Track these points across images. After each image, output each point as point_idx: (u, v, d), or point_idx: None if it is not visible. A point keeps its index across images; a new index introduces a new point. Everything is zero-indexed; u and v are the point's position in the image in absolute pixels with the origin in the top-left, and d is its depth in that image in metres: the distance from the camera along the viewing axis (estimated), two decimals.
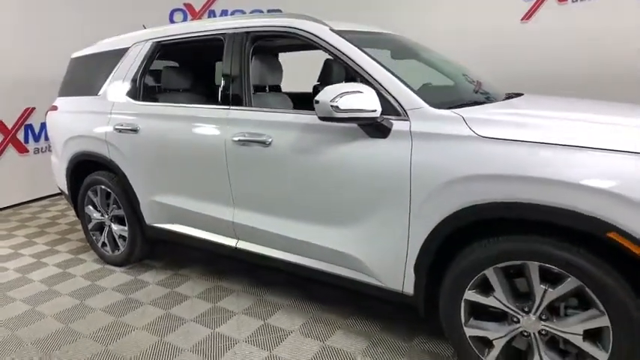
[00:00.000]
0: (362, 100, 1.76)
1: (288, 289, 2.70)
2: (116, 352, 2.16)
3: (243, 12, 6.57)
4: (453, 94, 2.37)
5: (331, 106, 1.74)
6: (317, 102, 1.78)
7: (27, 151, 5.12)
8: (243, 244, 2.44)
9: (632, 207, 1.38)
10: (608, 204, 1.41)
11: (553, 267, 1.54)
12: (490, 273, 1.67)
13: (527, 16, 5.19)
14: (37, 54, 4.96)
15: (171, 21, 6.48)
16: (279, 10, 6.60)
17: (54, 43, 4.90)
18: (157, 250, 3.26)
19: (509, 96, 2.46)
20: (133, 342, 2.23)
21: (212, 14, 6.61)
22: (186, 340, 2.23)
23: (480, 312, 1.77)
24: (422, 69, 2.72)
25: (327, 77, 2.84)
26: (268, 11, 6.62)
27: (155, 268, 3.12)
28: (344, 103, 1.74)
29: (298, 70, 3.21)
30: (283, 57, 3.46)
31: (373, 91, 1.79)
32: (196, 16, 6.52)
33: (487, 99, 2.29)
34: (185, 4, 6.57)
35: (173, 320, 2.42)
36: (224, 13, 6.58)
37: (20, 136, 5.05)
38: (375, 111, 1.77)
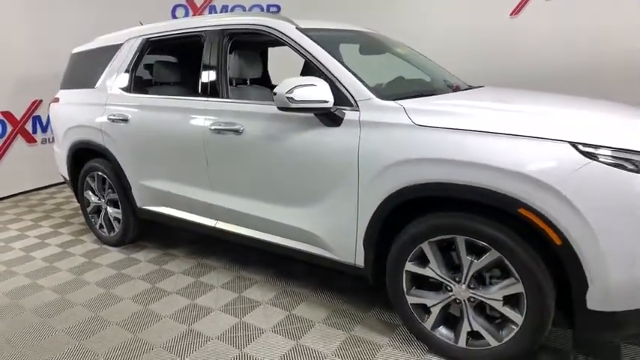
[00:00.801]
0: (315, 92, 1.96)
1: (264, 266, 2.94)
2: (104, 317, 2.42)
3: (243, 8, 6.76)
4: (411, 85, 2.57)
5: (287, 97, 1.96)
6: (275, 93, 2.00)
7: (35, 141, 5.43)
8: (221, 224, 2.67)
9: (539, 187, 1.57)
10: (520, 184, 1.60)
11: (477, 240, 1.74)
12: (425, 246, 1.87)
13: (516, 10, 5.30)
14: (45, 50, 5.24)
15: (174, 17, 6.72)
16: (277, 7, 6.81)
17: (61, 39, 5.16)
18: (151, 231, 3.52)
19: (469, 87, 2.65)
20: (120, 310, 2.49)
21: (213, 10, 6.81)
22: (167, 308, 2.48)
23: (420, 282, 1.98)
24: (393, 63, 2.92)
25: (308, 71, 3.04)
26: (268, 7, 6.83)
27: (147, 248, 3.38)
28: (298, 94, 1.95)
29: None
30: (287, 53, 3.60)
31: (326, 84, 1.99)
32: (197, 11, 6.74)
33: (444, 90, 2.49)
34: (187, 0, 6.78)
35: (158, 292, 2.68)
36: (224, 8, 6.76)
37: (28, 127, 5.36)
38: (327, 102, 1.97)
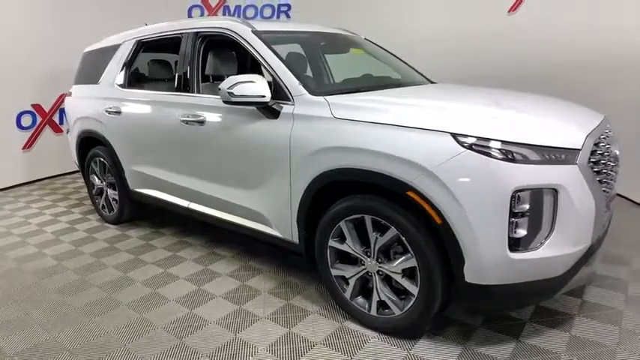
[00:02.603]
0: (253, 88, 2.25)
1: (236, 245, 3.27)
2: (89, 280, 2.83)
3: (255, 8, 7.11)
4: (351, 82, 2.81)
5: (228, 92, 2.26)
6: (219, 89, 2.30)
7: (61, 131, 6.02)
8: (192, 205, 3.02)
9: (423, 172, 1.78)
10: (408, 170, 1.82)
11: (380, 219, 1.98)
12: (343, 224, 2.13)
13: (514, 7, 5.33)
14: (72, 48, 5.78)
15: (189, 17, 7.16)
16: (288, 5, 7.10)
17: (87, 37, 5.68)
18: (147, 212, 3.93)
19: (420, 83, 2.87)
20: (103, 275, 2.90)
21: (227, 9, 7.19)
22: (142, 275, 2.86)
23: (344, 257, 2.23)
24: (355, 61, 3.16)
25: None
26: (279, 6, 7.14)
27: (141, 226, 3.79)
28: (238, 90, 2.25)
29: None
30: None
31: (264, 81, 2.28)
32: (212, 12, 7.15)
33: (387, 86, 2.72)
34: (202, 0, 7.19)
35: (138, 262, 3.07)
36: (237, 9, 7.12)
37: (56, 118, 5.95)
38: (264, 97, 2.26)
